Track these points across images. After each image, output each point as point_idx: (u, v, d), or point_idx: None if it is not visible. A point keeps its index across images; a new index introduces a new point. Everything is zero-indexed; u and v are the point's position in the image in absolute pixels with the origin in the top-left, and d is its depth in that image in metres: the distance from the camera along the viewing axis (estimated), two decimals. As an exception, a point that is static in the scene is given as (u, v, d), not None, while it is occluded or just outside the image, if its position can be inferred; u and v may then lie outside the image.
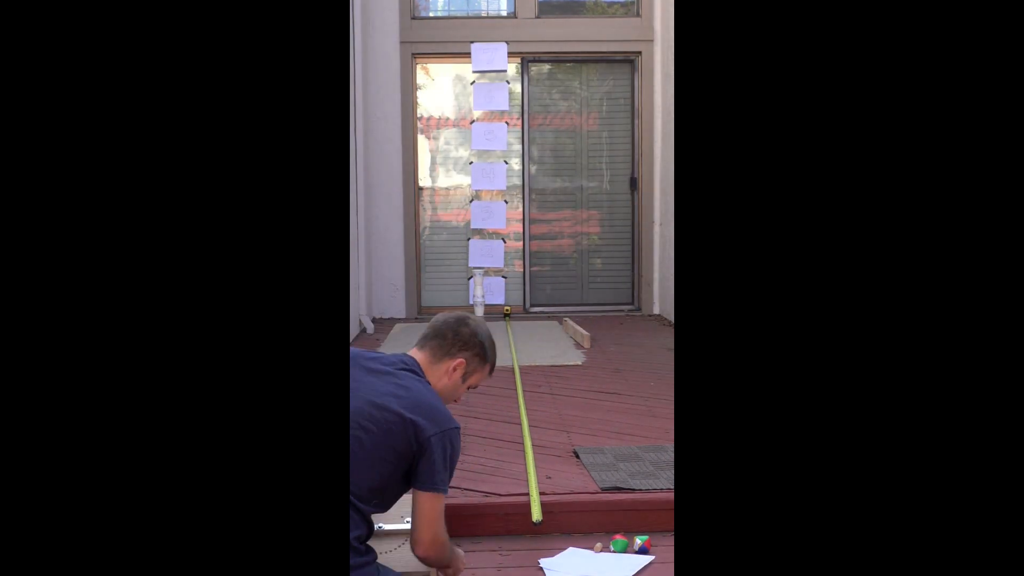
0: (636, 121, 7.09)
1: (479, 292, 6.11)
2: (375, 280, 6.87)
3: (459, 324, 2.21)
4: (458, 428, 2.09)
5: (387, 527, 2.54)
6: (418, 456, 2.04)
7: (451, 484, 3.05)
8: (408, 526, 2.54)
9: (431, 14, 7.13)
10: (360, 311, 6.21)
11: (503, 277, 6.73)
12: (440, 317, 2.25)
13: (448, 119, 7.20)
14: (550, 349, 5.54)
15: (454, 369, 2.17)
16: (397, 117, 6.90)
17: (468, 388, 2.23)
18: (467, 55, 6.65)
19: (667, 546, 2.77)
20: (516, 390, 4.44)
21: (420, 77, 7.12)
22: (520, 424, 3.82)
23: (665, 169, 6.79)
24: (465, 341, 2.18)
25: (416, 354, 2.19)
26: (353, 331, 5.98)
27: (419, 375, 2.14)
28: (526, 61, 7.05)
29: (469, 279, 6.53)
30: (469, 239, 6.80)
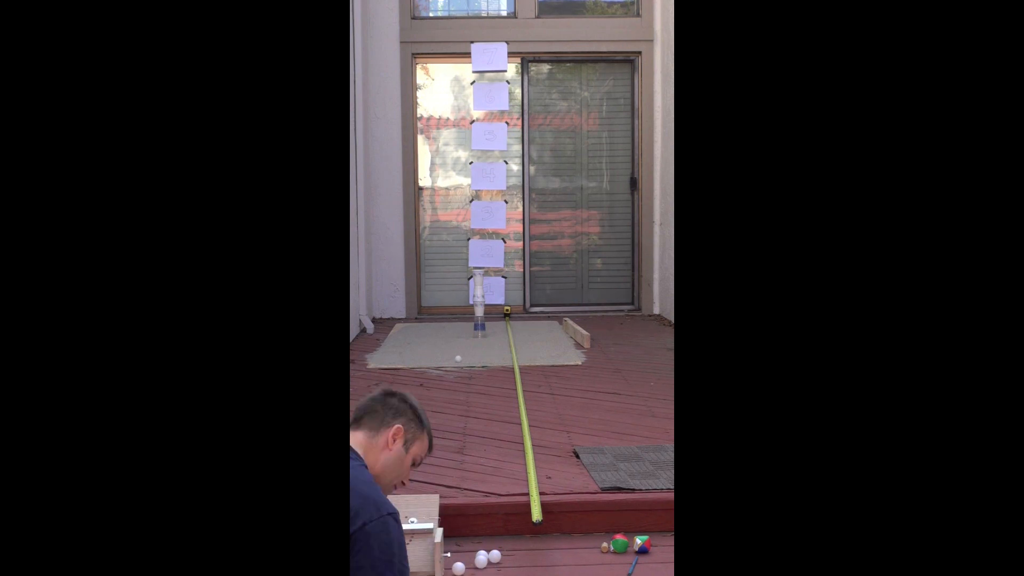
0: (636, 121, 7.09)
1: (479, 292, 6.12)
2: (375, 280, 6.88)
3: (386, 396, 2.10)
4: (394, 514, 1.86)
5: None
6: (353, 553, 1.78)
7: (452, 484, 3.07)
8: (413, 525, 2.54)
9: (431, 14, 7.14)
10: (360, 311, 6.21)
11: (503, 277, 6.73)
12: (365, 397, 2.13)
13: (448, 119, 7.20)
14: (550, 349, 5.55)
15: (393, 439, 2.02)
16: (397, 117, 6.91)
17: (412, 464, 2.09)
18: (467, 55, 6.65)
19: (667, 546, 2.77)
20: (516, 390, 4.44)
21: (420, 77, 7.12)
22: (520, 424, 3.82)
23: (665, 169, 6.80)
24: (396, 408, 2.07)
25: (352, 439, 2.01)
26: (353, 331, 5.98)
27: (356, 458, 1.96)
28: (526, 61, 7.05)
29: (469, 279, 6.53)
30: (469, 239, 6.80)
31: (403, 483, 2.10)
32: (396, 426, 2.04)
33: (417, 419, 2.09)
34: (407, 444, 2.05)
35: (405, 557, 1.87)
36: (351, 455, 1.93)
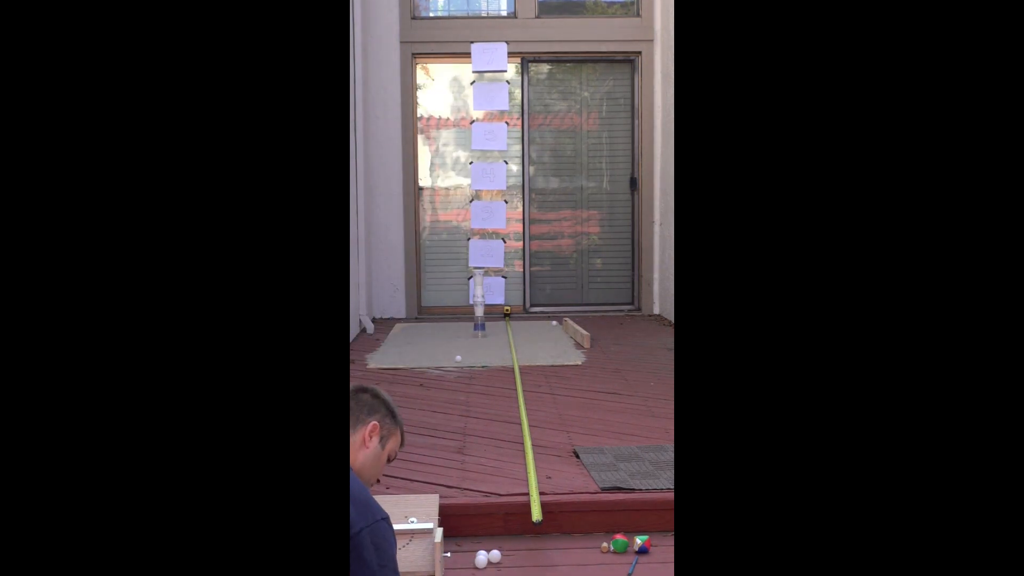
0: (636, 121, 7.10)
1: (479, 292, 6.12)
2: (375, 280, 6.88)
3: (358, 392, 2.07)
4: (386, 518, 1.85)
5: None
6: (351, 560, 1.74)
7: (452, 484, 3.07)
8: (413, 525, 2.55)
9: (431, 14, 7.14)
10: (360, 311, 6.21)
11: (503, 277, 6.73)
12: None
13: (448, 119, 7.20)
14: (550, 349, 5.55)
15: (370, 435, 2.00)
16: (397, 117, 6.91)
17: (388, 460, 2.06)
18: (467, 55, 6.65)
19: (667, 546, 2.77)
20: (516, 390, 4.44)
21: (420, 77, 7.12)
22: (520, 424, 3.82)
23: (665, 169, 6.80)
24: (370, 405, 2.04)
25: None
26: (353, 331, 5.98)
27: None
28: (526, 61, 7.05)
29: (469, 279, 6.53)
30: (469, 239, 6.80)
31: (378, 480, 2.07)
32: (372, 423, 2.00)
33: (391, 414, 2.06)
34: (383, 440, 2.02)
35: (393, 560, 1.85)
36: None
